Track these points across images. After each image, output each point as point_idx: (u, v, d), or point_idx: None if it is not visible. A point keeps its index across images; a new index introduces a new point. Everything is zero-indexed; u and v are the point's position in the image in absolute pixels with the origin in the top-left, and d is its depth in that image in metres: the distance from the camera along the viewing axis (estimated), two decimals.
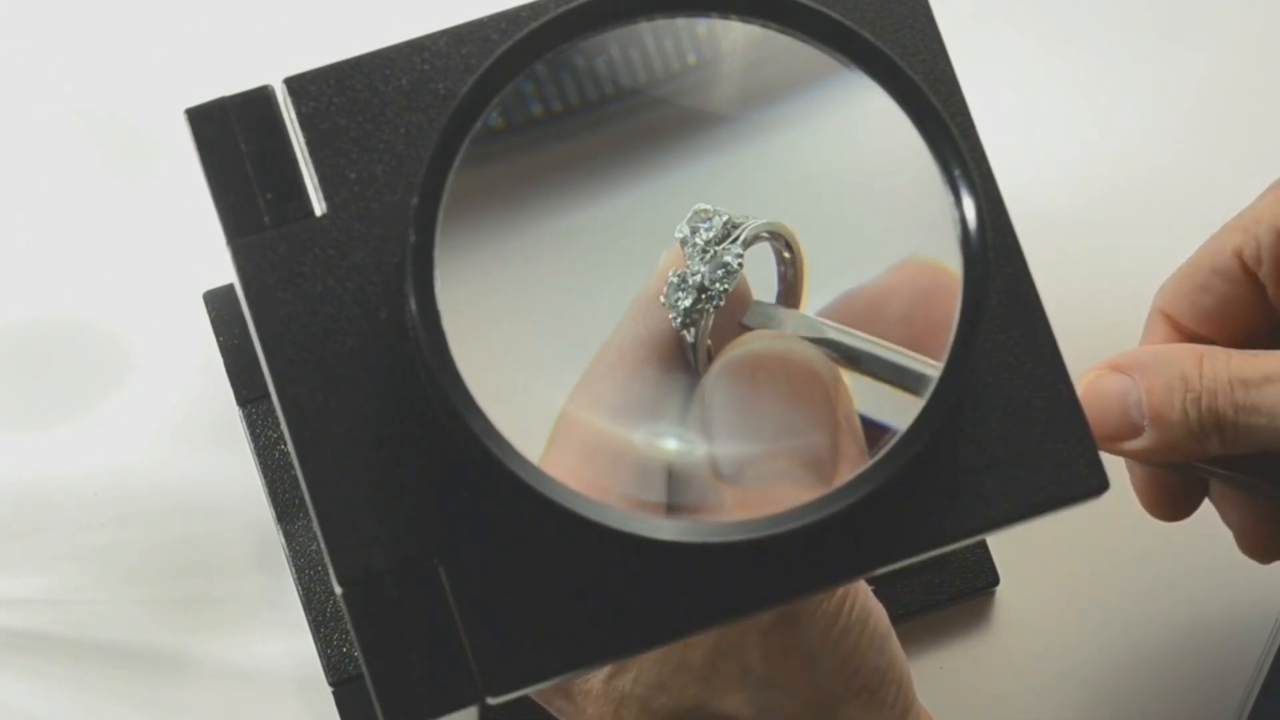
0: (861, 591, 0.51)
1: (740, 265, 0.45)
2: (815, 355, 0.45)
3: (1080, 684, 0.67)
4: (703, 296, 0.45)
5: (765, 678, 0.51)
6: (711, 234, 0.45)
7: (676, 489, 0.44)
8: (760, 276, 0.46)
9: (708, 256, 0.45)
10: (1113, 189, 0.70)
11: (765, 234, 0.45)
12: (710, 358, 0.45)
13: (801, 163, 0.46)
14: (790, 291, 0.46)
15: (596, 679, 0.52)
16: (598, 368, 0.45)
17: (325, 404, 0.44)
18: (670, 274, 0.45)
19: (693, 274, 0.45)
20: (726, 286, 0.45)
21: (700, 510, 0.44)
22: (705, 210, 0.45)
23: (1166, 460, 0.54)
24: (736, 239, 0.45)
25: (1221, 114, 0.71)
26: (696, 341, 0.45)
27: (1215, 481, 0.56)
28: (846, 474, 0.44)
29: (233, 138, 0.44)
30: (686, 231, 0.45)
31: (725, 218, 0.45)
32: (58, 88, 0.70)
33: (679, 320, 0.45)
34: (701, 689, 0.51)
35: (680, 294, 0.45)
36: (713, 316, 0.45)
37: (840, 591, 0.51)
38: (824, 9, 0.45)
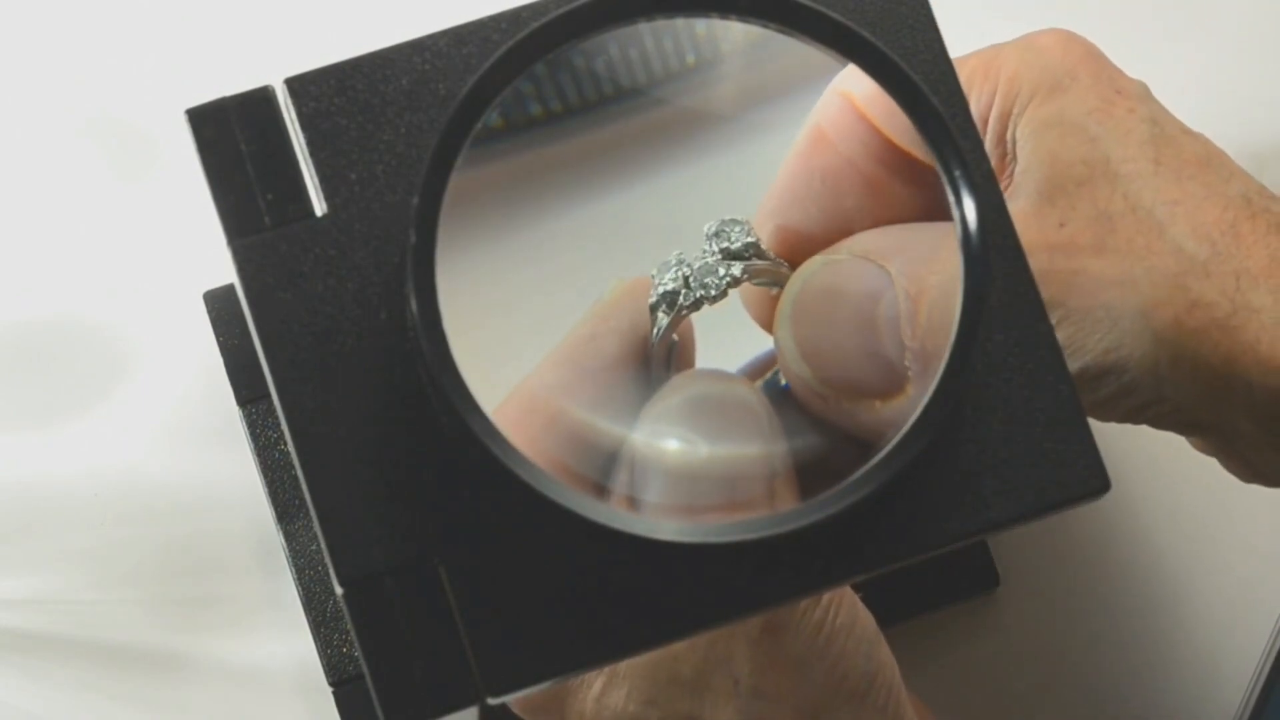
0: (846, 597, 0.51)
1: (725, 293, 0.44)
2: (752, 397, 0.44)
3: (1080, 684, 0.67)
4: (681, 294, 0.44)
5: (755, 689, 0.51)
6: (730, 245, 0.45)
7: (638, 483, 0.44)
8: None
9: (713, 264, 0.44)
10: None
11: (769, 284, 0.45)
12: (667, 356, 0.45)
13: None
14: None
15: (589, 696, 0.52)
16: (572, 355, 0.44)
17: (325, 404, 0.44)
18: (673, 253, 0.45)
19: (693, 268, 0.44)
20: (704, 297, 0.44)
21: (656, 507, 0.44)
22: (740, 221, 0.45)
23: None
24: (749, 265, 0.45)
25: (1221, 113, 0.71)
26: (655, 341, 0.45)
27: None
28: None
29: (233, 138, 0.44)
30: (712, 230, 0.45)
31: (754, 240, 0.45)
32: (58, 89, 0.70)
33: (653, 297, 0.45)
34: (693, 702, 0.51)
35: (671, 273, 0.45)
36: (676, 320, 0.45)
37: (825, 598, 0.51)
38: (824, 9, 0.45)
